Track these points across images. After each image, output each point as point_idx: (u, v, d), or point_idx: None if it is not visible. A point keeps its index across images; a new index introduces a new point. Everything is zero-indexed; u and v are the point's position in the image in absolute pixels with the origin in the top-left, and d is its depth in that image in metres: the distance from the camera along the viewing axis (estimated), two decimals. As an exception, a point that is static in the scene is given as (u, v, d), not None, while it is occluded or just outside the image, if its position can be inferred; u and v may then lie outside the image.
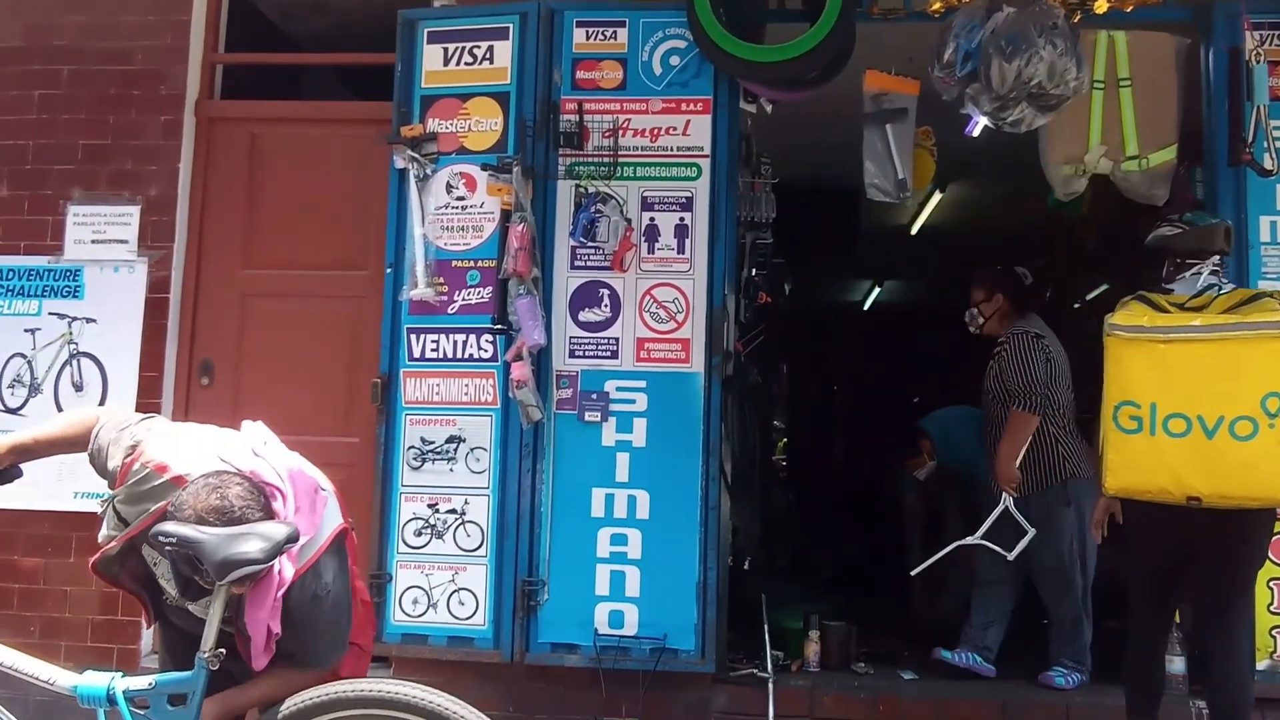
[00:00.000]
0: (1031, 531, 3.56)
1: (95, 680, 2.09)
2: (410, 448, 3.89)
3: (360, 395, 4.07)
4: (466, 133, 3.96)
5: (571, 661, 3.77)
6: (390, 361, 3.95)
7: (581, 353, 3.86)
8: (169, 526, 2.00)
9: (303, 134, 4.40)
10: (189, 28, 4.40)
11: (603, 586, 3.77)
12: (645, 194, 3.88)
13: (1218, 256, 3.07)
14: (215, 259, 4.38)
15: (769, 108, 4.05)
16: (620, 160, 3.85)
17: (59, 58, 4.42)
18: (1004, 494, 3.75)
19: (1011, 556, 3.54)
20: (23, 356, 4.32)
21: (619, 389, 3.83)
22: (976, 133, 4.56)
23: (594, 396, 3.82)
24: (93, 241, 4.32)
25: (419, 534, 3.86)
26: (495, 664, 3.80)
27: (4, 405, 4.31)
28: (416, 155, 3.91)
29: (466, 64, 3.98)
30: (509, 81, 3.94)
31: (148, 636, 4.18)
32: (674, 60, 3.91)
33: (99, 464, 2.31)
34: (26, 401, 4.30)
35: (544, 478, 3.82)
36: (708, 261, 3.84)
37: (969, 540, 3.63)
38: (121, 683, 2.07)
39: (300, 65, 4.77)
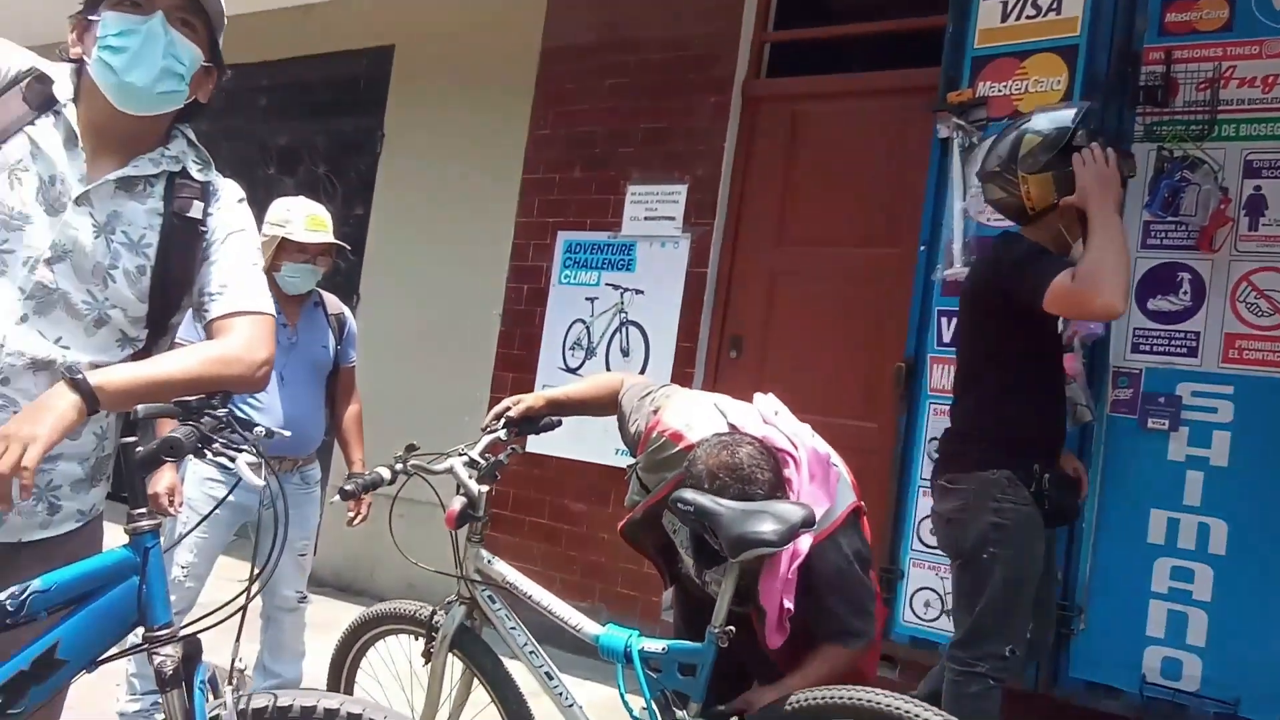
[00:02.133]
0: None
1: (616, 635, 2.18)
2: (932, 439, 3.63)
3: (882, 379, 3.93)
4: (1022, 94, 3.58)
5: (1109, 707, 3.27)
6: (916, 345, 3.74)
7: (1148, 347, 3.31)
8: (688, 494, 2.04)
9: (840, 108, 4.36)
10: (741, 9, 4.58)
11: (1156, 627, 3.21)
12: (1249, 157, 3.18)
13: None
14: (750, 236, 4.54)
15: None
16: (1219, 116, 3.22)
17: (626, 49, 4.86)
18: None
19: None
20: (582, 322, 4.87)
21: (1195, 393, 3.21)
22: None
23: (1160, 400, 3.26)
24: (645, 219, 4.72)
25: (935, 533, 3.62)
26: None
27: (565, 364, 4.90)
28: (963, 123, 3.63)
29: (1029, 17, 3.59)
30: (1078, 33, 3.48)
31: (669, 592, 4.49)
32: (1306, -12, 3.17)
33: (624, 430, 2.44)
34: (583, 363, 4.85)
35: (1089, 490, 3.35)
36: (1337, 242, 3.06)
37: None
38: (638, 643, 2.14)
39: (844, 37, 4.72)
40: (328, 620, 3.42)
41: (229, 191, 1.82)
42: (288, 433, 1.78)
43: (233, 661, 1.55)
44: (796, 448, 2.16)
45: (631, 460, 2.38)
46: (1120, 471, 3.32)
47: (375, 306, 5.58)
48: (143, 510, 1.51)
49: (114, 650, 1.54)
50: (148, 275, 1.70)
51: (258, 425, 1.57)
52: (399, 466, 2.42)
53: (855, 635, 2.17)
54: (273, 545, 1.58)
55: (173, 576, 3.03)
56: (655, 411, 2.30)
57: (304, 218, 3.22)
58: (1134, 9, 3.41)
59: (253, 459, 1.54)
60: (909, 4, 4.19)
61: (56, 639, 1.46)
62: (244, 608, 1.56)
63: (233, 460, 1.52)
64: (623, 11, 4.92)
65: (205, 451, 1.51)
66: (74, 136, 1.66)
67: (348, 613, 2.83)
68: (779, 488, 2.10)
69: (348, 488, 2.37)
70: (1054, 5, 3.56)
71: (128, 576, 1.50)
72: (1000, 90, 3.64)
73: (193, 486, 3.15)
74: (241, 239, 1.78)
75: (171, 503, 3.05)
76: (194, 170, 1.77)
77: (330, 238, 3.27)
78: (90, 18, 1.66)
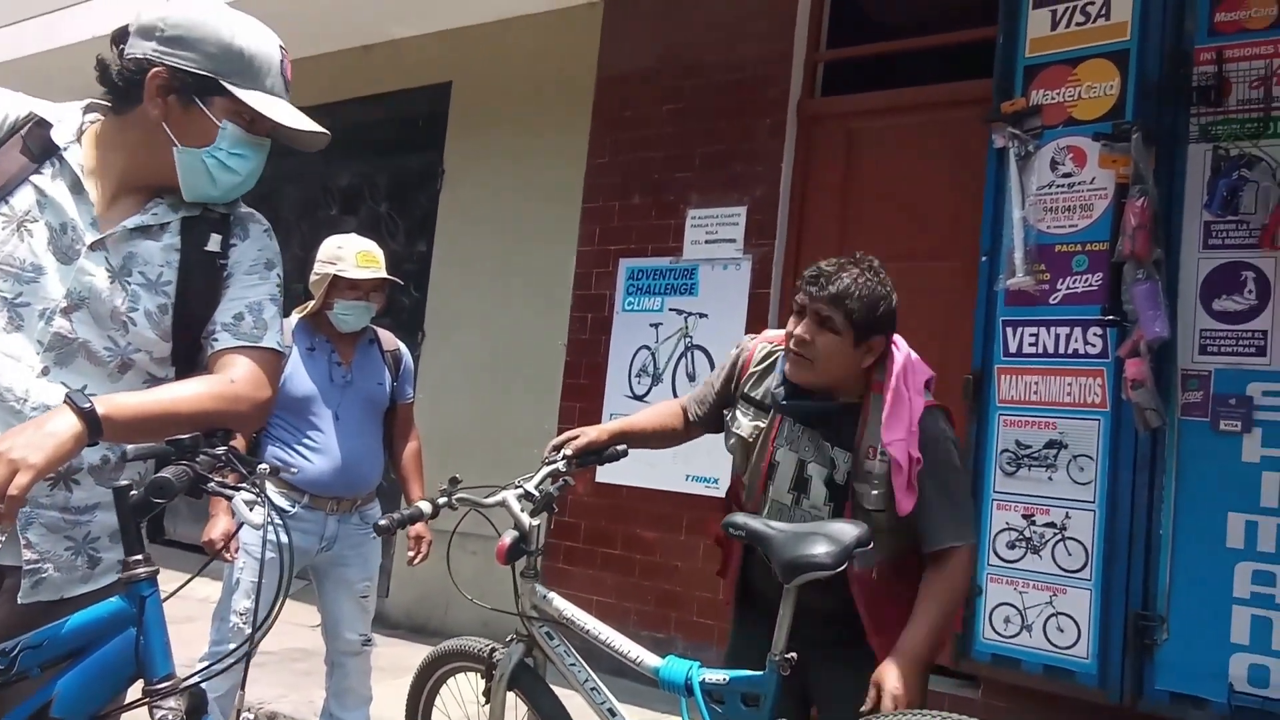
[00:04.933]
0: None
1: (676, 667, 2.24)
2: (1004, 451, 3.87)
3: (950, 392, 4.10)
4: (1075, 101, 3.84)
5: (1196, 718, 3.43)
6: (983, 356, 3.97)
7: (1216, 348, 3.51)
8: (738, 518, 2.16)
9: (895, 123, 4.62)
10: (793, 30, 4.86)
11: (1240, 633, 3.37)
12: (1307, 152, 3.40)
13: None
14: (810, 255, 4.72)
15: None
16: (1273, 114, 3.42)
17: (681, 75, 5.17)
18: None
19: None
20: (648, 349, 5.13)
21: (1266, 393, 3.40)
22: None
23: (1232, 402, 3.45)
24: (706, 242, 5.01)
25: (1012, 546, 3.82)
26: (1099, 705, 3.61)
27: (632, 392, 5.16)
28: (1017, 132, 3.88)
29: (1078, 24, 3.85)
30: (1128, 37, 3.73)
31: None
32: (1353, -19, 3.38)
33: (717, 423, 2.53)
34: (650, 390, 5.09)
35: (1163, 495, 3.53)
36: (1402, 234, 3.24)
37: None
38: (699, 674, 2.20)
39: (896, 53, 4.95)
40: (396, 663, 3.48)
41: (252, 222, 1.85)
42: (295, 469, 1.80)
43: (238, 712, 1.62)
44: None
45: (729, 412, 2.44)
46: (1194, 476, 3.50)
47: (440, 342, 5.94)
48: (138, 558, 1.50)
49: (113, 706, 1.56)
50: (169, 314, 1.73)
51: (261, 463, 1.58)
52: (442, 500, 2.46)
53: (951, 524, 2.17)
54: (278, 590, 1.58)
55: (231, 624, 3.16)
56: (738, 356, 2.44)
57: (355, 254, 3.30)
58: (1183, 11, 3.64)
59: (250, 497, 1.54)
60: (960, 17, 4.45)
61: (50, 696, 1.47)
62: (249, 655, 1.56)
63: (229, 499, 1.58)
64: (676, 38, 5.22)
65: (201, 491, 1.51)
66: (78, 182, 1.69)
67: (417, 655, 2.91)
68: (893, 317, 2.21)
69: (383, 523, 2.38)
70: (1103, 11, 3.81)
71: (124, 628, 1.50)
72: (1053, 98, 3.89)
73: (247, 530, 3.14)
74: (261, 272, 1.81)
75: (227, 548, 3.11)
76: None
77: (382, 273, 3.34)
78: (199, 102, 1.68)
